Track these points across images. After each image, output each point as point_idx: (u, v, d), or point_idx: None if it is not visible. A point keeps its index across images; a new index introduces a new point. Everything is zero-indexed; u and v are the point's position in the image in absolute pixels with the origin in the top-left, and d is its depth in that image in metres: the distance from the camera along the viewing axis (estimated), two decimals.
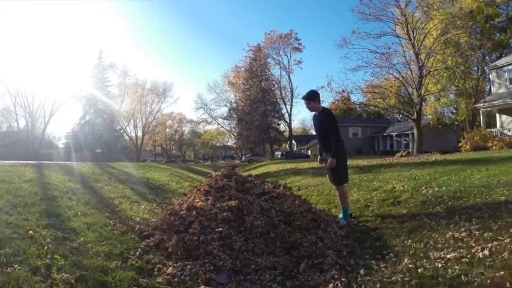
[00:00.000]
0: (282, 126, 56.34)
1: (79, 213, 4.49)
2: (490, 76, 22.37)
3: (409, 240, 3.64)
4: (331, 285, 2.85)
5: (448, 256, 2.92)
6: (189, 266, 3.27)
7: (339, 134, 4.99)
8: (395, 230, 4.12)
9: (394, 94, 27.23)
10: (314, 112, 5.21)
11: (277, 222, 4.23)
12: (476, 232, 3.37)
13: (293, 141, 54.31)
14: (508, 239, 3.02)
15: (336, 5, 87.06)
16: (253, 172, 15.23)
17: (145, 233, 4.15)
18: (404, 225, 4.20)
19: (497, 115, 20.08)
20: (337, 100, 27.79)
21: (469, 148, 17.24)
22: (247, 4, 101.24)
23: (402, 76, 24.85)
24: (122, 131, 56.40)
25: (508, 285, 2.27)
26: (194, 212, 4.45)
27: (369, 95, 28.34)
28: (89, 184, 7.14)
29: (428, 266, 2.82)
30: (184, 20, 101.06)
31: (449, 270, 2.66)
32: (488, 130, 18.85)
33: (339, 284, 2.85)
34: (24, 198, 4.57)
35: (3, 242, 2.99)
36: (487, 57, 28.18)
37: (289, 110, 50.46)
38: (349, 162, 12.50)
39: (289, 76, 49.76)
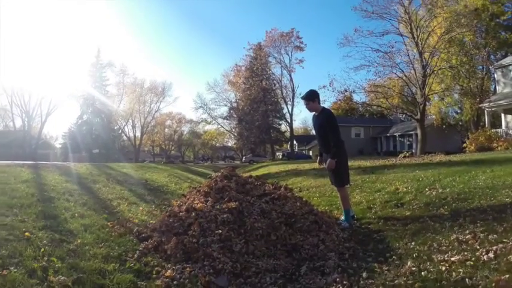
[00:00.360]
0: (283, 127, 56.46)
1: (76, 214, 4.50)
2: (495, 75, 22.37)
3: (413, 243, 3.64)
4: None
5: (452, 259, 2.92)
6: (188, 269, 3.27)
7: (339, 134, 4.98)
8: (399, 233, 4.11)
9: (397, 94, 27.21)
10: (314, 112, 5.21)
11: (278, 224, 4.23)
12: (481, 234, 3.38)
13: (294, 142, 54.34)
14: None
15: (338, 3, 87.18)
16: (254, 173, 15.23)
17: (143, 235, 4.15)
18: (407, 228, 4.20)
19: (503, 115, 20.07)
20: (339, 100, 27.70)
21: (473, 149, 17.24)
22: (247, 2, 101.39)
23: (405, 75, 24.83)
24: (120, 131, 56.46)
25: None
26: (193, 214, 4.45)
27: (371, 94, 28.31)
28: (87, 185, 7.14)
29: (432, 269, 2.82)
30: (184, 18, 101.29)
31: (454, 273, 2.66)
32: (493, 130, 18.85)
33: (340, 287, 2.85)
34: (21, 200, 4.57)
35: None
36: (492, 56, 28.16)
37: (290, 109, 50.59)
38: (352, 163, 12.52)
39: (290, 75, 49.88)
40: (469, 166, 7.73)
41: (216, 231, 3.97)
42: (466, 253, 3.00)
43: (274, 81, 51.50)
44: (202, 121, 61.45)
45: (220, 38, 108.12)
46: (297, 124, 59.12)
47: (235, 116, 56.09)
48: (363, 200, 6.13)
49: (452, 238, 3.46)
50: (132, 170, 12.49)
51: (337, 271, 3.28)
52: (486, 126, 20.74)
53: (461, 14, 22.98)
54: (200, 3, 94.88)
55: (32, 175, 6.78)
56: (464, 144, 19.55)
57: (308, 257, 3.73)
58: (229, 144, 70.97)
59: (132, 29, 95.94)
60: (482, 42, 26.19)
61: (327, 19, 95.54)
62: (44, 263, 2.84)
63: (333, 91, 24.15)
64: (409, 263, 3.04)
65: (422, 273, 2.79)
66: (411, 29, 23.46)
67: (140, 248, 3.71)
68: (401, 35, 24.59)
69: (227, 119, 59.04)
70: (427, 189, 5.86)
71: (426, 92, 23.22)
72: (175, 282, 3.02)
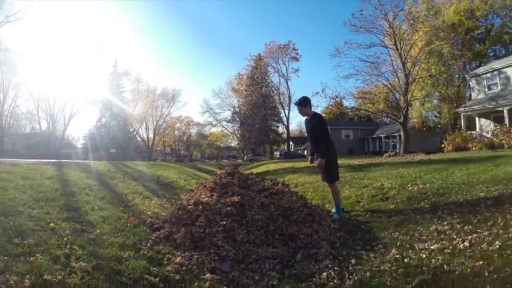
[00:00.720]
0: (281, 129, 56.21)
1: (95, 207, 4.50)
2: (470, 83, 22.35)
3: (396, 233, 3.64)
4: (325, 273, 2.85)
5: (432, 247, 2.92)
6: (195, 256, 3.27)
7: (328, 136, 4.99)
8: (384, 224, 4.11)
9: (383, 99, 27.19)
10: (306, 116, 5.21)
11: (276, 216, 4.23)
12: (458, 225, 3.38)
13: (291, 142, 54.23)
14: (486, 232, 3.02)
15: (330, 18, 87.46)
16: (254, 170, 15.20)
17: (155, 226, 4.15)
18: (391, 219, 4.20)
19: (477, 119, 20.06)
20: (331, 105, 27.71)
21: (451, 149, 17.20)
22: (249, 17, 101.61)
23: (390, 83, 24.79)
24: (135, 132, 56.38)
25: (486, 274, 2.27)
26: (200, 207, 4.45)
27: (359, 100, 28.28)
28: (105, 181, 7.13)
29: (413, 256, 2.82)
30: (192, 32, 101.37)
31: (433, 260, 2.65)
32: (468, 132, 18.81)
33: (332, 273, 2.84)
34: (46, 194, 4.58)
35: (27, 234, 2.99)
36: (467, 66, 28.09)
37: (287, 114, 50.33)
38: (342, 161, 12.53)
39: (287, 83, 49.63)
40: (447, 164, 7.73)
41: (221, 223, 3.97)
42: (444, 242, 3.00)
43: (273, 89, 51.34)
44: (208, 124, 61.37)
45: (225, 50, 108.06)
46: (293, 127, 59.19)
47: (237, 119, 55.98)
48: (352, 195, 6.12)
49: (432, 229, 3.46)
50: (145, 168, 12.49)
51: (329, 258, 3.28)
52: (462, 128, 20.70)
53: (440, 28, 23.03)
54: (207, 17, 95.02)
55: (56, 172, 6.79)
56: (443, 145, 19.49)
57: (303, 245, 3.72)
58: (233, 145, 70.81)
59: (145, 41, 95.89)
60: (459, 54, 26.20)
61: (320, 33, 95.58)
62: (66, 250, 2.84)
63: (325, 97, 24.13)
64: (393, 251, 3.04)
65: (405, 260, 2.79)
66: (395, 41, 23.44)
67: (153, 238, 3.71)
68: (386, 47, 24.57)
69: (230, 122, 58.96)
70: (409, 185, 5.85)
71: (408, 98, 23.20)
72: (184, 268, 3.02)
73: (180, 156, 65.54)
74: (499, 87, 19.08)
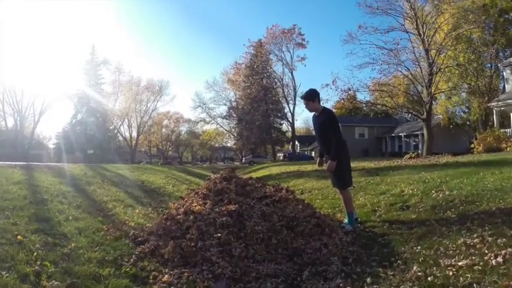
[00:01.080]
0: (285, 126, 56.43)
1: (70, 217, 4.50)
2: (504, 73, 22.38)
3: (419, 247, 3.63)
4: None
5: (460, 263, 2.92)
6: (186, 274, 3.27)
7: (340, 135, 4.99)
8: (404, 236, 4.11)
9: (403, 92, 27.21)
10: (314, 112, 5.20)
11: (279, 227, 4.23)
12: (489, 238, 3.37)
13: (296, 142, 54.37)
14: None
15: None
16: (254, 175, 15.23)
17: (140, 239, 4.15)
18: (413, 231, 4.20)
19: None
20: (343, 99, 27.67)
21: (481, 149, 17.23)
22: None
23: (411, 73, 24.85)
24: (116, 131, 56.43)
25: None
26: (192, 217, 4.45)
27: (376, 93, 28.35)
28: (81, 187, 7.14)
29: (438, 274, 2.82)
30: (181, 14, 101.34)
31: (461, 278, 2.65)
32: (502, 130, 18.84)
33: None
34: (13, 202, 4.58)
35: None
36: (500, 54, 28.09)
37: (292, 109, 50.54)
38: (356, 164, 12.53)
39: (292, 73, 49.82)
40: (477, 167, 7.73)
41: (215, 235, 3.97)
42: (473, 257, 3.00)
43: (275, 80, 51.51)
44: (200, 121, 61.57)
45: (220, 35, 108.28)
46: (298, 124, 59.38)
47: (234, 115, 56.10)
48: (367, 203, 6.13)
49: (459, 242, 3.46)
50: (128, 172, 12.50)
51: (341, 276, 3.28)
52: (495, 126, 20.72)
53: (468, 10, 22.96)
54: None
55: (24, 176, 6.79)
56: (472, 145, 19.52)
57: (310, 261, 3.73)
58: (229, 145, 71.04)
59: (127, 25, 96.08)
60: (491, 39, 26.14)
61: (329, 15, 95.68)
62: (36, 267, 2.84)
63: (336, 90, 24.22)
64: (414, 268, 3.04)
65: (429, 278, 2.79)
66: (417, 25, 23.46)
67: (136, 252, 3.71)
68: (407, 32, 24.65)
69: (226, 119, 59.13)
70: (433, 192, 5.85)
71: (432, 90, 23.22)
72: None
73: (167, 158, 65.63)
74: None
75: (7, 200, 4.61)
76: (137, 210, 6.00)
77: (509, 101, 19.48)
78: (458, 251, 3.25)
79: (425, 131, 24.33)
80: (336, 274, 3.34)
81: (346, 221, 5.03)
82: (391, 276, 3.03)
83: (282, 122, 55.03)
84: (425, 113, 23.64)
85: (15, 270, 2.72)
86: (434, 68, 23.05)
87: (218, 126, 61.38)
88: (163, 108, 63.95)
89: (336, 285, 3.03)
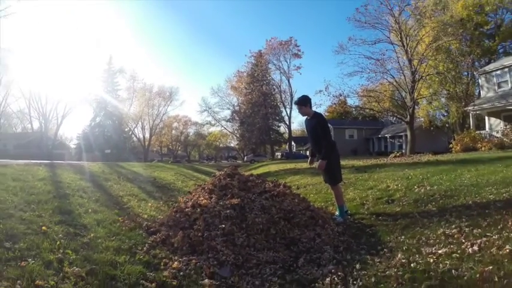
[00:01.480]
0: (282, 128, 56.41)
1: (90, 210, 4.50)
2: (480, 81, 22.32)
3: (402, 237, 3.63)
4: (328, 279, 2.85)
5: (440, 252, 2.91)
6: (193, 261, 3.27)
7: (330, 137, 5.00)
8: (389, 227, 4.11)
9: (388, 98, 27.17)
10: (306, 116, 5.20)
11: (277, 219, 4.23)
12: (466, 229, 3.37)
13: (292, 143, 54.26)
14: (496, 235, 3.01)
15: (334, 13, 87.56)
16: (255, 172, 15.23)
17: (152, 229, 4.15)
18: (397, 222, 4.20)
19: (486, 118, 20.03)
20: (334, 104, 27.64)
21: (459, 149, 17.20)
22: (249, 12, 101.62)
23: (396, 81, 24.80)
24: (131, 132, 56.39)
25: (496, 279, 2.27)
26: (199, 210, 4.45)
27: (364, 98, 28.26)
28: (99, 183, 7.14)
29: (420, 261, 2.82)
30: (190, 28, 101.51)
31: (441, 265, 2.65)
32: (477, 132, 18.79)
33: (335, 278, 2.84)
34: (38, 196, 4.58)
35: (18, 237, 3.00)
36: (476, 63, 28.06)
37: (288, 112, 50.46)
38: (346, 162, 12.53)
39: (288, 81, 49.78)
40: (455, 165, 7.73)
41: (220, 226, 3.97)
42: (452, 246, 3.00)
43: (274, 86, 51.46)
44: (206, 123, 61.55)
45: (224, 46, 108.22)
46: (295, 126, 59.14)
47: (237, 118, 56.06)
48: (356, 197, 6.12)
49: (439, 232, 3.46)
50: (141, 169, 12.50)
51: (332, 263, 3.28)
52: (471, 128, 20.68)
53: (447, 23, 22.98)
54: (205, 13, 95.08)
55: (48, 173, 6.79)
56: (451, 145, 19.50)
57: (305, 249, 3.73)
58: (232, 145, 70.90)
59: (141, 37, 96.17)
60: (467, 50, 26.11)
61: (323, 28, 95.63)
62: (59, 255, 2.84)
63: (329, 95, 24.14)
64: (399, 255, 3.03)
65: (412, 264, 2.78)
66: (401, 37, 23.43)
67: (149, 241, 3.71)
68: (392, 43, 24.59)
69: (230, 122, 59.05)
70: (416, 187, 5.85)
71: (415, 96, 23.21)
72: (181, 273, 3.02)
73: (177, 156, 65.54)
74: (510, 85, 19.03)
75: (33, 195, 4.61)
76: (150, 204, 6.00)
77: (484, 106, 19.45)
78: (438, 240, 3.25)
79: (408, 133, 24.29)
80: (328, 261, 3.34)
81: (337, 213, 5.03)
82: (377, 263, 3.03)
83: (279, 124, 55.06)
84: (408, 116, 23.61)
85: (40, 258, 2.72)
86: (416, 75, 23.03)
87: (222, 128, 61.38)
88: (173, 112, 63.93)
89: (328, 271, 3.02)
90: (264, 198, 4.80)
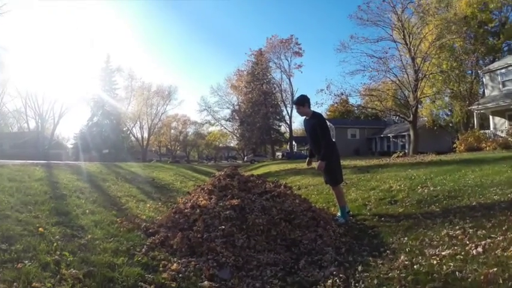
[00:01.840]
0: (283, 128, 56.52)
1: (87, 211, 4.50)
2: (484, 79, 22.32)
3: (405, 238, 3.63)
4: (330, 281, 2.85)
5: (443, 253, 2.91)
6: (193, 263, 3.27)
7: (329, 137, 4.99)
8: (392, 228, 4.11)
9: (391, 97, 27.18)
10: (305, 116, 5.18)
11: (278, 220, 4.23)
12: (470, 230, 3.37)
13: (293, 142, 54.28)
14: (500, 237, 3.01)
15: (335, 11, 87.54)
16: (255, 172, 15.23)
17: (150, 231, 4.15)
18: (400, 224, 4.20)
19: (491, 117, 20.03)
20: (336, 103, 27.74)
21: (463, 149, 17.20)
22: (249, 10, 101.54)
23: (399, 79, 24.84)
24: (129, 132, 56.45)
25: (501, 281, 2.26)
26: (198, 211, 4.45)
27: (366, 97, 28.31)
28: (97, 183, 7.15)
29: (423, 263, 2.81)
30: (188, 25, 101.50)
31: (444, 266, 2.65)
32: (482, 131, 18.79)
33: (337, 280, 2.84)
34: (34, 197, 4.59)
35: (14, 239, 3.00)
36: (480, 61, 28.05)
37: (289, 112, 50.58)
38: (348, 162, 12.53)
39: (289, 79, 49.89)
40: (459, 165, 7.72)
41: (220, 227, 3.97)
42: (456, 248, 2.99)
43: (275, 85, 51.54)
44: (206, 123, 61.70)
45: (224, 44, 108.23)
46: (296, 125, 59.01)
47: (237, 118, 56.14)
48: (359, 198, 6.12)
49: (443, 233, 3.46)
50: (139, 169, 12.51)
51: (334, 264, 3.28)
52: (475, 127, 20.68)
53: (451, 21, 22.97)
54: (204, 11, 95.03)
55: (45, 174, 6.80)
56: (455, 145, 19.49)
57: (306, 251, 3.72)
58: (232, 145, 70.96)
59: (139, 35, 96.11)
60: (471, 48, 26.11)
61: (324, 26, 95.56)
62: (56, 256, 2.84)
63: (330, 94, 24.18)
64: (402, 257, 3.03)
65: (415, 266, 2.78)
66: (404, 35, 23.44)
67: (147, 243, 3.71)
68: (395, 42, 24.61)
69: (230, 121, 59.16)
70: (419, 187, 5.85)
71: (418, 95, 23.21)
72: (180, 275, 3.02)
73: (176, 156, 65.58)
74: None
75: (29, 195, 4.61)
76: (148, 205, 6.00)
77: (488, 105, 19.45)
78: (441, 242, 3.25)
79: (411, 132, 24.31)
80: (330, 263, 3.34)
81: (339, 214, 5.03)
82: (380, 265, 3.03)
83: (280, 124, 55.14)
84: (411, 116, 23.62)
85: (37, 259, 2.72)
86: (419, 74, 23.04)
87: (222, 127, 61.50)
88: (172, 111, 64.00)
89: (330, 273, 3.02)
90: (265, 199, 4.80)
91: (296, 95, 45.28)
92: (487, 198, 4.47)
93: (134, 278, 2.81)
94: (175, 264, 3.21)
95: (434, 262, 2.78)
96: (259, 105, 48.64)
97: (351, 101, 29.20)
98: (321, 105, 27.11)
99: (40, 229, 3.35)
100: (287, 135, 54.80)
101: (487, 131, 18.99)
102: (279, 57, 48.83)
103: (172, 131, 68.15)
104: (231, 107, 57.76)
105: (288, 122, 51.86)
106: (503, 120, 19.18)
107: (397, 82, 24.94)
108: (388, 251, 3.35)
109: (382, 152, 38.99)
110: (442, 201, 4.76)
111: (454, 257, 2.81)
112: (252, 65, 50.61)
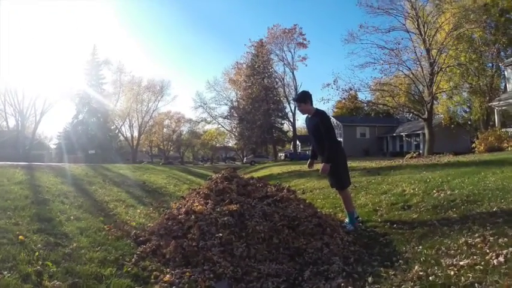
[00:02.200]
0: (286, 126, 56.44)
1: (72, 217, 4.50)
2: (506, 73, 22.35)
3: (420, 247, 3.63)
4: None
5: (461, 263, 2.91)
6: (187, 274, 3.27)
7: (334, 136, 4.98)
8: (405, 236, 4.11)
9: (404, 92, 27.19)
10: (307, 114, 5.17)
11: (280, 227, 4.23)
12: (491, 238, 3.36)
13: (297, 142, 54.29)
14: None
15: None
16: (255, 174, 15.23)
17: (141, 239, 4.16)
18: (414, 231, 4.19)
19: None
20: (344, 99, 27.72)
21: (483, 149, 17.20)
22: None
23: (412, 73, 24.82)
24: (117, 130, 56.53)
25: None
26: (193, 217, 4.45)
27: (377, 93, 28.33)
28: (82, 187, 7.15)
29: (440, 274, 2.81)
30: (182, 13, 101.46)
31: (462, 278, 2.65)
32: (503, 130, 18.78)
33: None
34: (14, 202, 4.58)
35: None
36: (502, 53, 28.00)
37: (293, 108, 50.46)
38: (357, 164, 12.54)
39: (293, 73, 49.82)
40: (479, 167, 7.71)
41: (217, 235, 3.97)
42: (475, 257, 2.99)
43: (277, 79, 51.51)
44: (201, 121, 61.67)
45: (221, 35, 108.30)
46: (300, 124, 59.13)
47: (236, 115, 56.18)
48: (369, 202, 6.12)
49: (461, 242, 3.45)
50: (129, 171, 12.51)
51: (342, 276, 3.28)
52: (496, 125, 20.68)
53: (470, 9, 22.92)
54: None
55: (26, 176, 6.79)
56: (474, 145, 19.48)
57: (312, 261, 3.73)
58: (230, 145, 71.01)
59: (129, 25, 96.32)
60: (492, 39, 26.08)
61: (330, 15, 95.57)
62: (38, 267, 2.84)
63: (337, 90, 24.16)
64: (416, 268, 3.03)
65: (430, 278, 2.78)
66: (418, 25, 23.43)
67: (138, 252, 3.71)
68: (408, 32, 24.61)
69: (228, 119, 59.22)
70: (434, 191, 5.84)
71: (434, 90, 23.20)
72: (174, 287, 3.02)
73: (169, 158, 65.70)
74: None
75: (9, 200, 4.61)
76: (139, 210, 6.01)
77: (510, 101, 19.44)
78: (459, 251, 3.25)
79: (426, 131, 24.29)
80: (338, 274, 3.34)
81: (347, 220, 5.03)
82: (392, 276, 3.03)
83: (283, 121, 55.10)
84: (426, 113, 23.61)
85: (16, 270, 2.72)
86: (435, 67, 23.02)
87: (219, 126, 61.53)
88: (164, 108, 64.16)
89: (338, 285, 3.03)
90: (266, 204, 4.81)
91: (300, 90, 45.51)
92: (509, 203, 4.46)
93: None
94: (168, 276, 3.21)
95: (452, 273, 2.78)
96: (259, 101, 48.62)
97: (360, 96, 29.34)
98: (327, 101, 27.18)
99: (20, 237, 3.34)
100: (290, 134, 54.75)
101: (509, 130, 18.99)
102: (281, 48, 48.77)
103: (164, 129, 68.21)
104: (229, 104, 57.89)
105: (292, 119, 51.88)
106: None
107: (411, 76, 24.94)
108: (401, 261, 3.35)
109: (394, 152, 39.02)
110: (459, 207, 4.76)
111: (473, 267, 2.81)
112: (252, 57, 50.57)
